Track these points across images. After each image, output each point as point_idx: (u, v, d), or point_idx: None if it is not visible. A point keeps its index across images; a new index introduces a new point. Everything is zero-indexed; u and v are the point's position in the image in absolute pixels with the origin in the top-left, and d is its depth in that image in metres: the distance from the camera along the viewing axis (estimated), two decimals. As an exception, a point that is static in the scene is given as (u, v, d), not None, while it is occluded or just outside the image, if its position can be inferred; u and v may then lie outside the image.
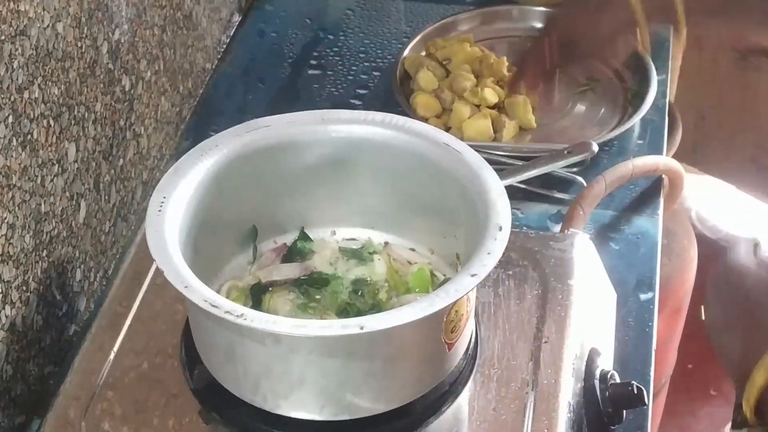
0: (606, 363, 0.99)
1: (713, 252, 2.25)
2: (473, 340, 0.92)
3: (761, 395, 0.87)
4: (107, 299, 1.01)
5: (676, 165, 1.33)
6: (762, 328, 0.90)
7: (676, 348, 1.88)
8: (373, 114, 0.97)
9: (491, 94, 1.38)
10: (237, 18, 1.58)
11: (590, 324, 1.00)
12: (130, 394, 0.92)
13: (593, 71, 1.46)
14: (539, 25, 1.54)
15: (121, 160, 1.22)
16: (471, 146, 0.94)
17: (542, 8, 1.55)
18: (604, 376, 0.96)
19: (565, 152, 1.29)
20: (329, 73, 1.50)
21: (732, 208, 2.38)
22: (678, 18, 1.12)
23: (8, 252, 0.99)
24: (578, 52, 1.20)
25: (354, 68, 1.51)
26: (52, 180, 1.06)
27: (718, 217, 2.40)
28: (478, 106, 1.38)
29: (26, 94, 0.99)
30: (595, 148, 1.29)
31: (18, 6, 0.96)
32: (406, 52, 1.47)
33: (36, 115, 1.02)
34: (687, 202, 2.35)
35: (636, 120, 1.37)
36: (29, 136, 1.01)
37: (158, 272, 0.83)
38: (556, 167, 1.29)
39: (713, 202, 2.40)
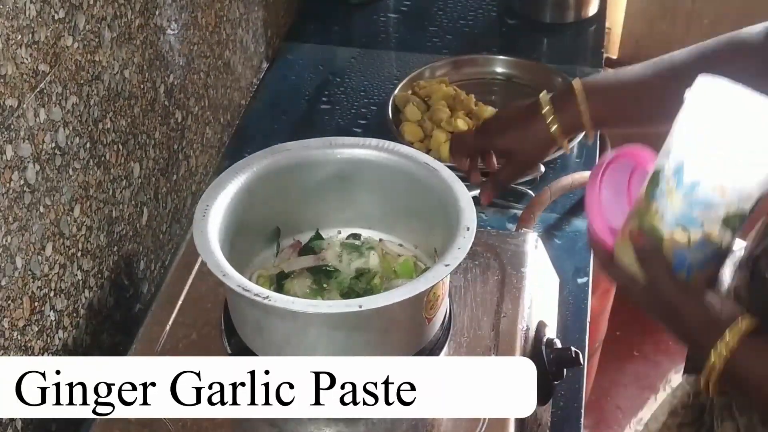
0: (550, 332, 0.99)
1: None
2: (447, 315, 0.92)
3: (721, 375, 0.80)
4: (164, 284, 1.00)
5: (605, 178, 1.33)
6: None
7: (606, 320, 1.88)
8: (369, 140, 0.96)
9: (462, 124, 1.38)
10: (265, 65, 1.58)
11: (538, 302, 1.00)
12: (182, 358, 0.92)
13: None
14: (499, 69, 1.54)
15: (175, 176, 1.22)
16: (446, 165, 0.94)
17: (502, 57, 1.56)
18: (549, 343, 0.96)
19: None
20: (337, 107, 1.50)
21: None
22: (588, 132, 1.05)
23: (87, 248, 0.99)
24: (513, 164, 1.08)
25: (356, 104, 1.51)
26: (121, 192, 1.06)
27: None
28: (452, 132, 1.38)
29: (100, 125, 0.99)
30: (543, 168, 1.29)
31: (94, 57, 0.96)
32: (396, 91, 1.47)
33: (108, 142, 1.02)
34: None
35: (574, 144, 1.37)
36: (103, 158, 1.01)
37: (203, 263, 0.83)
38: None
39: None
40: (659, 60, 1.05)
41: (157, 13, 1.11)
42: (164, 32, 1.14)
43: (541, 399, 0.94)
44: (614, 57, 2.18)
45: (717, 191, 0.77)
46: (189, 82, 1.24)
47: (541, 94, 1.05)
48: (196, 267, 0.99)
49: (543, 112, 1.04)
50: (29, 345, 0.90)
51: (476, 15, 1.72)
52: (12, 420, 0.88)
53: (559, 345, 0.96)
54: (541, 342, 0.96)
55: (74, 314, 0.98)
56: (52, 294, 0.93)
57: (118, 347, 1.07)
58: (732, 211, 0.78)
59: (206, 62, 1.29)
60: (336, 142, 0.97)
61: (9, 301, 0.86)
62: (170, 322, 0.95)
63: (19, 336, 0.88)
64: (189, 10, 1.21)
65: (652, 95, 1.02)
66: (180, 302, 0.97)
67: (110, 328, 1.06)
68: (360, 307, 0.77)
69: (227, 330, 0.91)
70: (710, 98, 0.79)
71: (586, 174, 1.30)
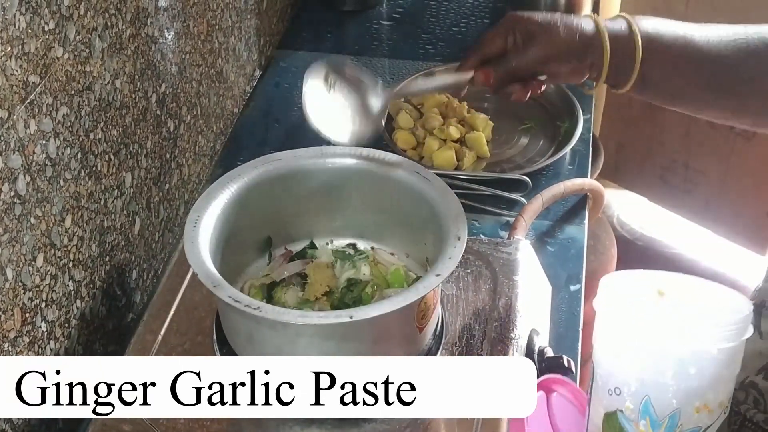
0: (543, 340, 0.99)
1: (630, 249, 2.26)
2: (440, 324, 0.92)
3: None
4: (157, 293, 1.00)
5: (598, 185, 1.33)
6: None
7: (600, 325, 1.87)
8: (361, 149, 0.97)
9: (455, 131, 1.38)
10: (258, 73, 1.58)
11: (531, 310, 1.00)
12: (173, 368, 0.91)
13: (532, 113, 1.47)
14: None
15: (167, 185, 1.22)
16: (438, 173, 0.94)
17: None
18: (541, 351, 0.96)
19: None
20: (330, 115, 1.49)
21: (645, 215, 2.39)
22: (633, 70, 0.96)
23: (78, 258, 0.99)
24: (535, 60, 0.98)
25: (349, 111, 1.50)
26: (113, 202, 1.06)
27: (634, 222, 2.40)
28: (444, 140, 1.38)
29: (92, 135, 0.99)
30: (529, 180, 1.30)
31: (85, 68, 0.96)
32: (389, 99, 1.47)
33: (100, 152, 1.01)
34: (609, 210, 2.36)
35: (567, 150, 1.37)
36: (95, 168, 1.01)
37: (195, 273, 0.83)
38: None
39: (630, 210, 2.41)
40: (733, 33, 0.98)
41: (148, 22, 1.11)
42: (156, 42, 1.13)
43: (534, 407, 0.94)
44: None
45: (703, 411, 0.68)
46: (181, 91, 1.23)
47: (599, 25, 0.97)
48: (188, 276, 0.99)
49: (604, 46, 0.96)
50: (21, 356, 0.89)
51: (469, 22, 1.72)
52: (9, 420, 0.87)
53: (551, 353, 0.96)
54: (533, 350, 0.96)
55: (66, 325, 0.98)
56: (43, 305, 0.93)
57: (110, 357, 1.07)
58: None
59: (198, 71, 1.29)
60: (327, 151, 0.97)
61: (0, 313, 0.85)
62: (162, 332, 0.95)
63: (10, 347, 0.87)
64: (181, 19, 1.20)
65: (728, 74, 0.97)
66: (172, 311, 0.97)
67: (102, 338, 1.06)
68: (351, 317, 0.77)
69: (219, 340, 0.91)
70: (625, 308, 0.75)
71: (579, 181, 1.31)
